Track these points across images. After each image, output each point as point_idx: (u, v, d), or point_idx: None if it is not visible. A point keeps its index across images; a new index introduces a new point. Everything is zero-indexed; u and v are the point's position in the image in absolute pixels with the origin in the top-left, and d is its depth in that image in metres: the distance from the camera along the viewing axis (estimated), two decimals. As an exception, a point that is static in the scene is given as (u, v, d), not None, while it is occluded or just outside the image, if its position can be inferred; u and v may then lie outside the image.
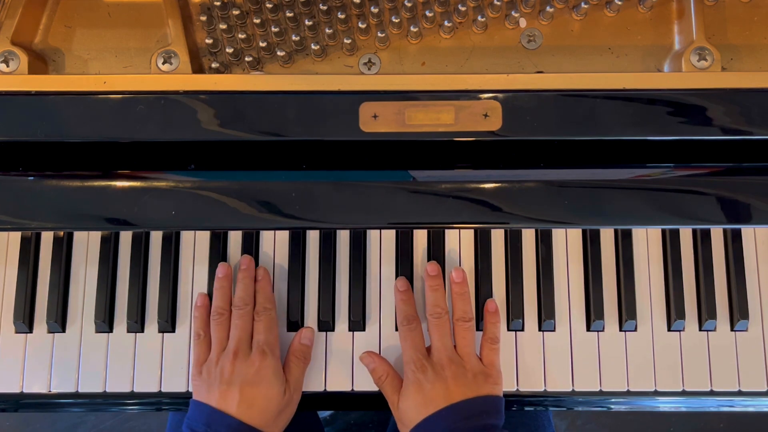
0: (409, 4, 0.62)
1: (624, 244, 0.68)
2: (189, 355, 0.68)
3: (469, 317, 0.65)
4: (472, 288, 0.69)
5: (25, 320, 0.67)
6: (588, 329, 0.68)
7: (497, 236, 0.69)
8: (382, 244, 0.69)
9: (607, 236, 0.69)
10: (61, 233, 0.69)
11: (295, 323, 0.68)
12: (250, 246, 0.69)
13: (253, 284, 0.67)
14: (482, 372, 0.63)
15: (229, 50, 0.63)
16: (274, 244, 0.69)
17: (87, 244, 0.69)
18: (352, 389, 0.67)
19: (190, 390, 0.67)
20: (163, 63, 0.62)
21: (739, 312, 0.67)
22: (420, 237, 0.69)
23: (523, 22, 0.64)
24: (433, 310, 0.65)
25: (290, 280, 0.68)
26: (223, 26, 0.64)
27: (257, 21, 0.63)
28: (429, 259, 0.69)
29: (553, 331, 0.68)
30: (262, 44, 0.63)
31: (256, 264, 0.69)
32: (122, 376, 0.67)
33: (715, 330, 0.67)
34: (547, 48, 0.64)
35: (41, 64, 0.64)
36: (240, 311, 0.65)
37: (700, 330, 0.67)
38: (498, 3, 0.63)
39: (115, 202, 0.61)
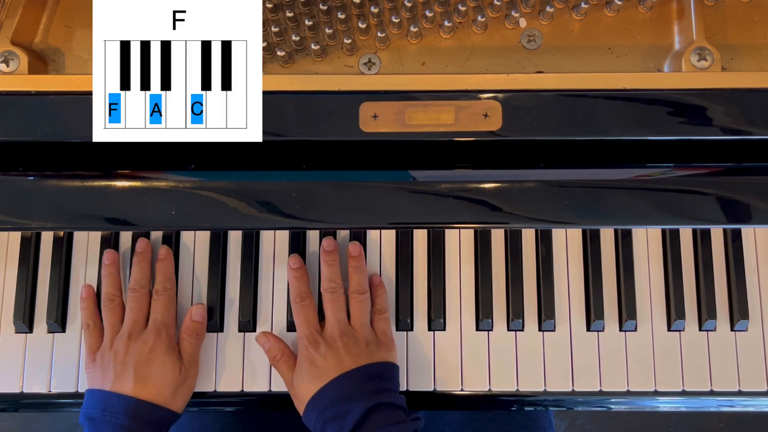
0: (409, 4, 0.62)
1: (624, 244, 0.68)
2: (189, 355, 0.68)
3: (364, 290, 0.65)
4: (472, 288, 0.68)
5: (25, 320, 0.67)
6: (588, 329, 0.68)
7: (497, 236, 0.69)
8: (382, 244, 0.69)
9: (607, 236, 0.69)
10: (61, 233, 0.69)
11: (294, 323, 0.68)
12: (250, 246, 0.69)
13: (150, 267, 0.67)
14: (375, 341, 0.64)
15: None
16: (274, 244, 0.69)
17: (87, 244, 0.69)
18: (352, 389, 0.67)
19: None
20: (163, 63, 0.62)
21: (739, 312, 0.67)
22: (420, 237, 0.69)
23: (523, 22, 0.64)
24: (327, 284, 0.65)
25: (290, 280, 0.68)
26: (223, 26, 0.64)
27: (257, 21, 0.63)
28: (429, 259, 0.69)
29: (553, 331, 0.68)
30: (263, 44, 0.63)
31: (256, 263, 0.68)
32: (122, 376, 0.67)
33: (715, 330, 0.67)
34: (547, 48, 0.64)
35: (41, 64, 0.64)
36: (135, 294, 0.65)
37: (700, 330, 0.67)
38: (498, 3, 0.63)
39: (115, 202, 0.61)
